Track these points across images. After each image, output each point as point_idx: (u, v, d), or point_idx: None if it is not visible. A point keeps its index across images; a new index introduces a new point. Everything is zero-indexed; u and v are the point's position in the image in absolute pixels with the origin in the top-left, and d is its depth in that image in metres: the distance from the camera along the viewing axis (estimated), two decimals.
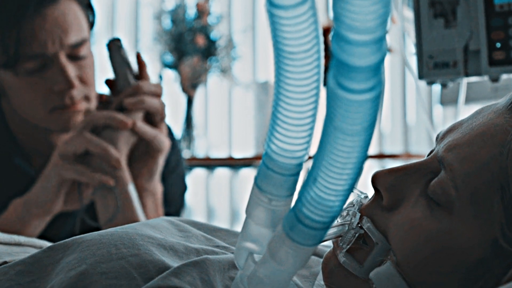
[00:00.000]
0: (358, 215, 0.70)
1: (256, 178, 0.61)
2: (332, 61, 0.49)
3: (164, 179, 1.52)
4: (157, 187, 1.44)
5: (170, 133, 1.57)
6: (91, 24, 1.45)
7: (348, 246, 0.69)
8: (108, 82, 1.42)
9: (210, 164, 3.78)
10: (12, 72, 1.36)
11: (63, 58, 1.37)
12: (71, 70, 1.38)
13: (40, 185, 1.35)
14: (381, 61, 0.48)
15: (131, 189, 1.37)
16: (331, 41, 0.48)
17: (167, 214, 1.50)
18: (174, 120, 3.61)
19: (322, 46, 0.53)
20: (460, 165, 0.66)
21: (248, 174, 3.73)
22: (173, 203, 1.57)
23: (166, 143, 1.41)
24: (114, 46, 1.40)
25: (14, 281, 0.72)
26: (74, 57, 1.39)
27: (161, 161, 1.42)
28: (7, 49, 1.34)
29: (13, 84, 1.38)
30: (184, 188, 1.63)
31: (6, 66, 1.35)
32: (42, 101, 1.38)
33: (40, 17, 1.35)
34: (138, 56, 1.43)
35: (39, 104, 1.39)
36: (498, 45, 1.13)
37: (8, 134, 1.47)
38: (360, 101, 0.49)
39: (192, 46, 3.59)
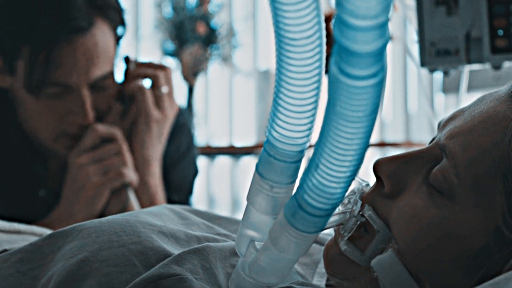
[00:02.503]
0: (360, 203, 0.70)
1: (257, 165, 0.61)
2: (334, 47, 0.49)
3: (176, 164, 1.51)
4: (152, 176, 1.43)
5: (182, 116, 1.56)
6: (119, 38, 1.42)
7: (350, 234, 0.69)
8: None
9: (211, 152, 3.78)
10: (34, 95, 1.34)
11: (85, 91, 1.34)
12: (90, 103, 1.36)
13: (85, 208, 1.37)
14: (384, 47, 0.48)
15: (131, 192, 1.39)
16: (333, 27, 0.48)
17: (176, 201, 1.49)
18: None
19: (324, 33, 0.53)
20: (462, 152, 0.66)
21: (249, 163, 3.74)
22: (184, 188, 1.56)
23: (151, 111, 1.42)
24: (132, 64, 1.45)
25: (14, 268, 0.72)
26: (97, 87, 1.37)
27: (148, 139, 1.42)
28: (32, 73, 1.31)
29: (31, 106, 1.35)
30: (195, 172, 1.62)
31: (29, 89, 1.32)
32: (52, 126, 1.36)
33: (71, 46, 1.31)
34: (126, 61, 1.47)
35: (49, 129, 1.37)
36: (500, 32, 1.12)
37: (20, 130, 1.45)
38: (362, 87, 0.49)
39: (193, 34, 3.59)
